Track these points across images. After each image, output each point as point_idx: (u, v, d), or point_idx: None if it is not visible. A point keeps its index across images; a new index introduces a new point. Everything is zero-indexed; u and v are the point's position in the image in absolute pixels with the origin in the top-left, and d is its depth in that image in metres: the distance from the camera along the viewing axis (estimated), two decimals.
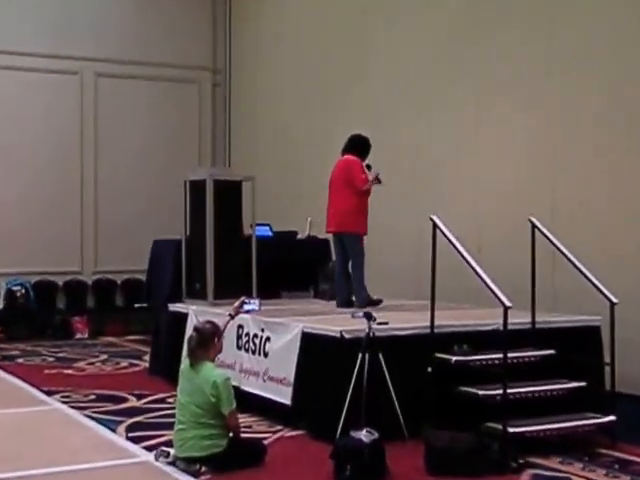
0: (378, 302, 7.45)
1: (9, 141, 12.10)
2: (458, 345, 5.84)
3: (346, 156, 7.55)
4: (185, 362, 5.03)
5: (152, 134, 12.94)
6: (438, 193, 9.12)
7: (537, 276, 6.34)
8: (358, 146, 7.56)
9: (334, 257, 7.88)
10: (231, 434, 5.03)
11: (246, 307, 5.53)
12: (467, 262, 5.58)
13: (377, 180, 7.48)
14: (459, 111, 8.91)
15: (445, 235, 5.79)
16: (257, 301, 5.49)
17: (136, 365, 9.48)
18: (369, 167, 7.59)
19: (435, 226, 5.84)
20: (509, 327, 5.36)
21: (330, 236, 7.85)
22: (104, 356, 10.17)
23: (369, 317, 5.59)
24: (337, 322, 6.23)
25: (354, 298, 7.51)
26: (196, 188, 8.21)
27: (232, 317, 5.52)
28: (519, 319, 6.18)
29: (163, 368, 8.29)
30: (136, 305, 11.81)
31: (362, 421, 5.32)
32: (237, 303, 5.50)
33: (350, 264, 7.53)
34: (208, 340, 4.93)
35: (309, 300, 8.69)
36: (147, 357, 9.33)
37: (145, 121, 12.93)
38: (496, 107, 8.54)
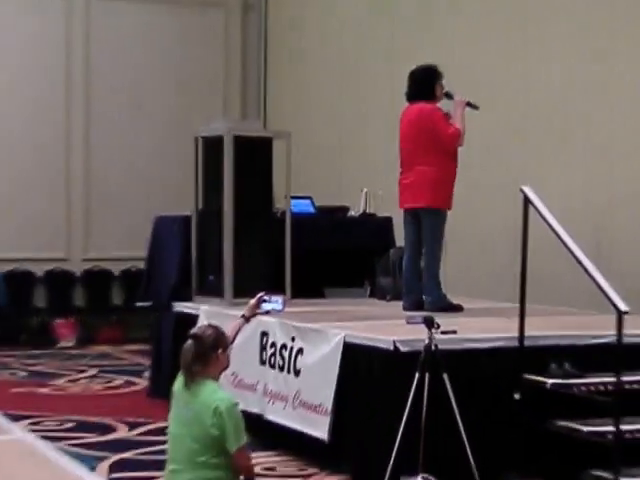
0: (458, 308, 7.40)
1: None
2: (557, 364, 5.79)
3: (415, 105, 7.45)
4: (179, 381, 5.03)
5: (161, 75, 13.04)
6: (544, 152, 8.96)
7: None
8: (426, 84, 7.43)
9: (403, 242, 7.82)
10: (242, 478, 5.02)
11: (265, 307, 5.51)
12: (567, 248, 5.50)
13: (470, 105, 7.41)
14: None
15: (540, 213, 5.72)
16: (280, 298, 5.46)
17: (134, 384, 9.61)
18: (449, 95, 7.47)
19: (527, 201, 5.79)
20: (629, 340, 5.33)
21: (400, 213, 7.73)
22: (93, 371, 10.32)
23: (430, 323, 5.53)
24: (391, 330, 6.21)
25: (425, 297, 7.46)
26: (211, 147, 8.26)
27: (246, 320, 5.49)
28: None
29: (165, 388, 8.33)
30: (138, 304, 11.89)
31: (419, 464, 5.31)
32: (253, 301, 5.47)
33: (424, 251, 7.48)
34: (209, 351, 4.88)
35: (363, 300, 8.70)
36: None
37: (152, 58, 13.04)
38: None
